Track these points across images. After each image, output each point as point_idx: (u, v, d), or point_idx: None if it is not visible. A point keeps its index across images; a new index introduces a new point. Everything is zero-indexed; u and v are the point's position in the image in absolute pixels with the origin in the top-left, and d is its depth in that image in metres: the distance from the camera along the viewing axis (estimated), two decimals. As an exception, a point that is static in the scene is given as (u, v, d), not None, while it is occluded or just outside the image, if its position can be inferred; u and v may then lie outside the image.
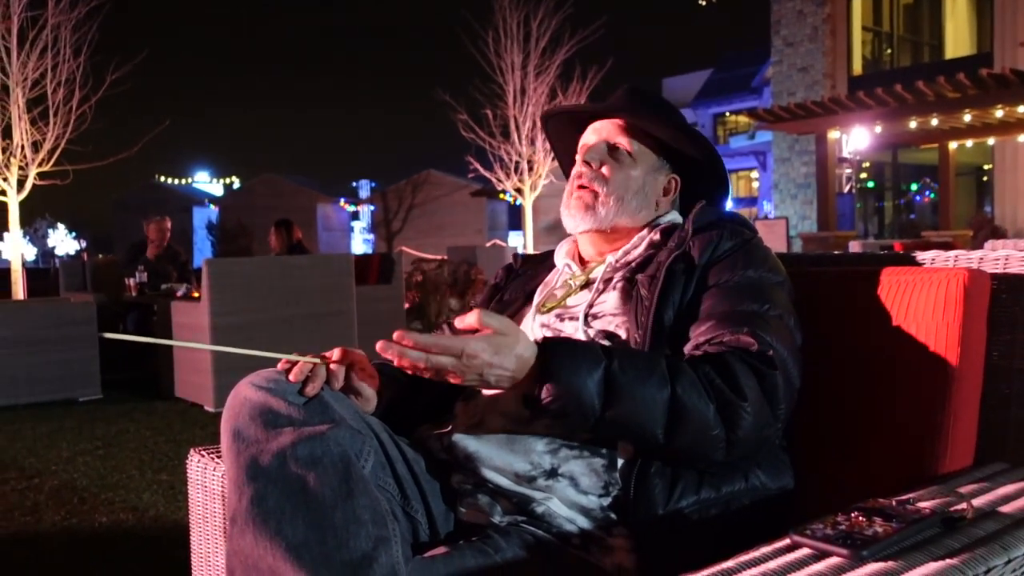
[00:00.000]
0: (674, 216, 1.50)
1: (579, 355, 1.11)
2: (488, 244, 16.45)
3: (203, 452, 1.47)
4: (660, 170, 1.49)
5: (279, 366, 1.17)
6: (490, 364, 1.07)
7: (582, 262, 1.50)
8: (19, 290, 7.97)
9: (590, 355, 1.11)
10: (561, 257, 1.53)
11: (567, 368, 1.08)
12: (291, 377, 1.14)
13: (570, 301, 1.41)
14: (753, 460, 1.21)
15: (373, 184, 35.40)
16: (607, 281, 1.39)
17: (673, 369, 1.12)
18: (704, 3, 13.46)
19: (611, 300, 1.35)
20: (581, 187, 1.45)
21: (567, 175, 1.64)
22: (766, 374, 1.15)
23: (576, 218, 1.45)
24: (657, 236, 1.42)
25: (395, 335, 1.08)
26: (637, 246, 1.43)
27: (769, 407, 1.15)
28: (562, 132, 1.62)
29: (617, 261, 1.42)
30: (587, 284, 1.42)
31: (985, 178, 17.47)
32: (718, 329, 1.21)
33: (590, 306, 1.36)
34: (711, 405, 1.11)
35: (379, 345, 1.07)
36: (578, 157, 1.51)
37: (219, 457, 1.43)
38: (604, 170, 1.45)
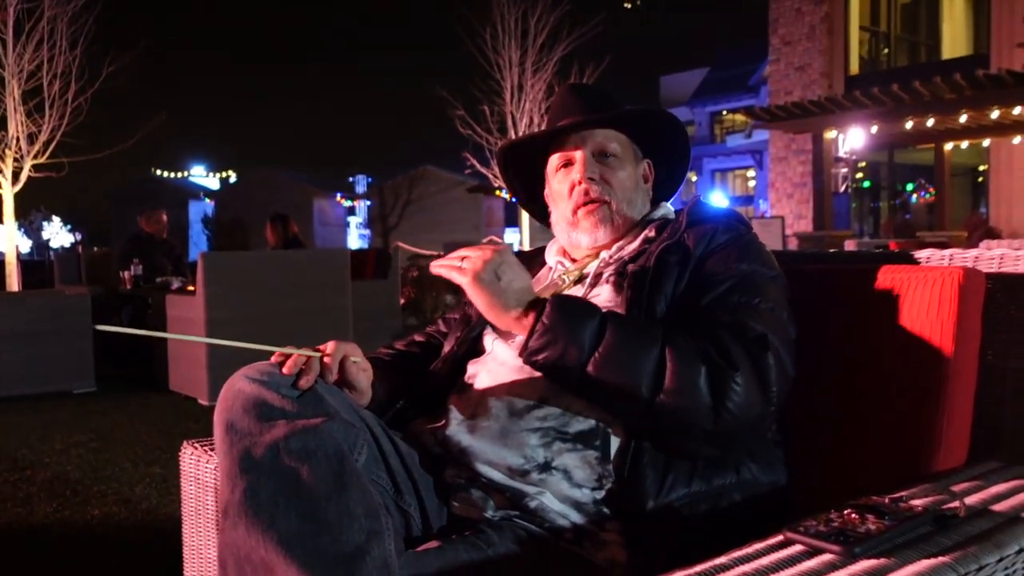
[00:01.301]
0: (667, 211, 1.51)
1: (580, 302, 1.23)
2: (484, 240, 16.44)
3: (196, 445, 1.47)
4: (638, 158, 1.52)
5: (273, 359, 1.16)
6: (507, 263, 1.21)
7: (572, 260, 1.51)
8: (14, 282, 7.96)
9: (590, 306, 1.21)
10: (552, 255, 1.53)
11: (568, 307, 1.19)
12: (285, 370, 1.13)
13: None
14: (745, 451, 1.21)
15: (370, 179, 35.33)
16: (599, 276, 1.39)
17: (668, 332, 1.17)
18: (629, 5, 13.66)
19: (604, 293, 1.35)
20: (591, 202, 1.44)
21: (524, 202, 1.64)
22: (758, 355, 1.16)
23: (595, 234, 1.44)
24: (652, 232, 1.42)
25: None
26: (631, 241, 1.43)
27: (760, 388, 1.15)
28: (519, 160, 1.60)
29: (611, 256, 1.42)
30: (580, 279, 1.42)
31: (980, 179, 17.51)
32: (709, 319, 1.22)
33: None
34: (701, 367, 1.12)
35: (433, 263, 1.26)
36: (560, 174, 1.48)
37: (212, 450, 1.43)
38: (606, 179, 1.45)
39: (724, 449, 1.18)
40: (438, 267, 1.24)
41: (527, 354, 1.18)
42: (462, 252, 1.23)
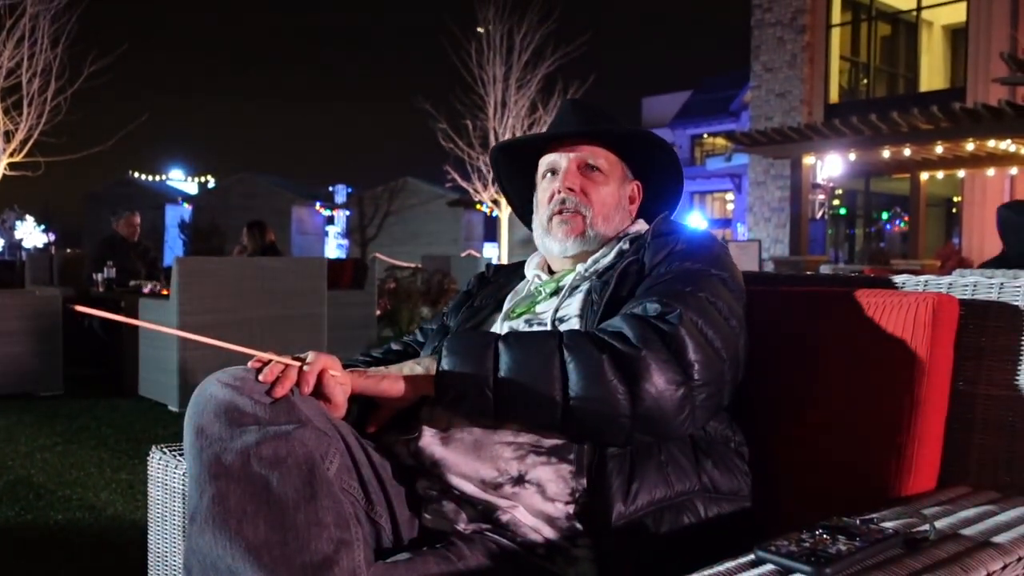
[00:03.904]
0: (641, 226, 1.52)
1: (471, 337, 1.25)
2: (463, 254, 16.44)
3: (165, 449, 1.45)
4: (626, 179, 1.53)
5: (250, 364, 1.14)
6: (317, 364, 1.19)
7: (551, 273, 1.52)
8: (-17, 281, 7.82)
9: (482, 336, 1.24)
10: (531, 268, 1.54)
11: (460, 345, 1.19)
12: (262, 377, 1.11)
13: (539, 308, 1.42)
14: (703, 452, 1.21)
15: (350, 189, 35.24)
16: (575, 288, 1.40)
17: (564, 335, 1.18)
18: (481, 30, 14.14)
19: (575, 303, 1.37)
20: (565, 211, 1.45)
21: (516, 204, 1.66)
22: (666, 331, 1.15)
23: (566, 243, 1.46)
24: (627, 245, 1.43)
25: None
26: (607, 255, 1.44)
27: (676, 363, 1.14)
28: (513, 162, 1.62)
29: (587, 270, 1.43)
30: (556, 291, 1.43)
31: (954, 210, 17.78)
32: (632, 304, 1.23)
33: (556, 311, 1.37)
34: (602, 357, 1.12)
35: None
36: (545, 182, 1.50)
37: (181, 455, 1.41)
38: (586, 192, 1.46)
39: (662, 434, 1.16)
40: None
41: (439, 402, 1.20)
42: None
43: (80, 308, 1.13)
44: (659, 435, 1.16)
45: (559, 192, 1.46)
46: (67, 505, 3.09)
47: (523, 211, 1.65)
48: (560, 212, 1.46)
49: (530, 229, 1.62)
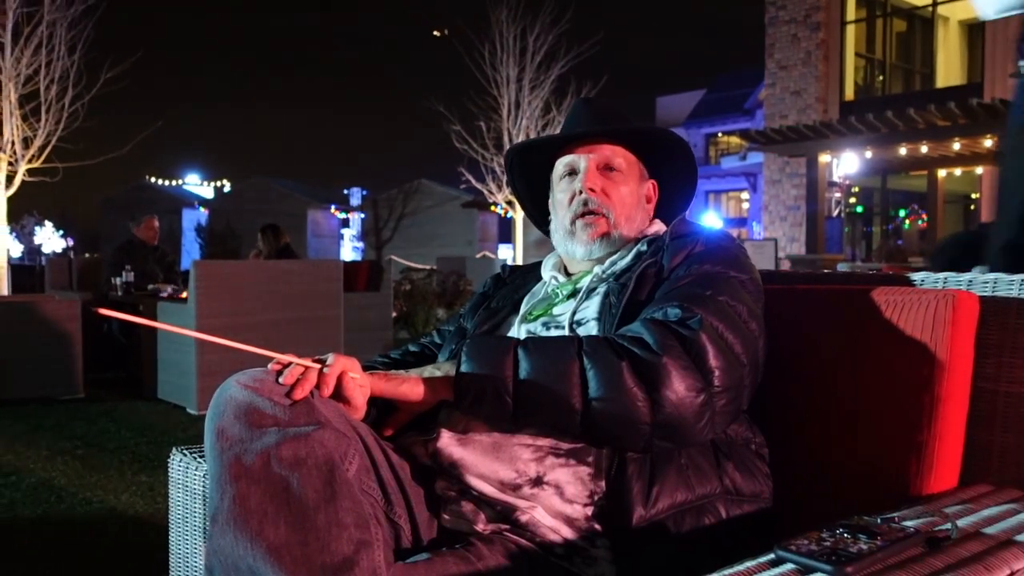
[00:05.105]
0: (659, 226, 1.52)
1: (491, 342, 1.22)
2: (478, 256, 16.47)
3: (185, 451, 1.46)
4: (643, 178, 1.52)
5: (271, 366, 1.15)
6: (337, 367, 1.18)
7: (567, 274, 1.51)
8: (3, 286, 7.92)
9: (502, 341, 1.21)
10: (548, 270, 1.54)
11: (479, 351, 1.18)
12: (282, 380, 1.12)
13: (556, 310, 1.42)
14: (726, 457, 1.21)
15: (364, 192, 35.34)
16: (592, 290, 1.40)
17: (583, 340, 1.17)
18: (439, 34, 14.21)
19: (593, 306, 1.36)
20: (590, 213, 1.45)
21: (529, 207, 1.65)
22: (686, 336, 1.14)
23: (591, 246, 1.45)
24: (644, 247, 1.43)
25: None
26: (624, 257, 1.44)
27: (697, 368, 1.13)
28: (527, 164, 1.61)
29: (604, 272, 1.43)
30: (573, 294, 1.43)
31: (972, 207, 17.63)
32: (652, 309, 1.23)
33: (574, 314, 1.37)
34: (621, 364, 1.12)
35: None
36: (563, 183, 1.49)
37: (201, 457, 1.42)
38: (607, 192, 1.45)
39: (681, 440, 1.15)
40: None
41: (458, 406, 1.19)
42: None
43: (104, 311, 1.15)
44: (679, 442, 1.16)
45: (580, 193, 1.45)
46: (88, 508, 3.12)
47: (536, 214, 1.65)
48: (584, 215, 1.45)
49: (544, 232, 1.61)
